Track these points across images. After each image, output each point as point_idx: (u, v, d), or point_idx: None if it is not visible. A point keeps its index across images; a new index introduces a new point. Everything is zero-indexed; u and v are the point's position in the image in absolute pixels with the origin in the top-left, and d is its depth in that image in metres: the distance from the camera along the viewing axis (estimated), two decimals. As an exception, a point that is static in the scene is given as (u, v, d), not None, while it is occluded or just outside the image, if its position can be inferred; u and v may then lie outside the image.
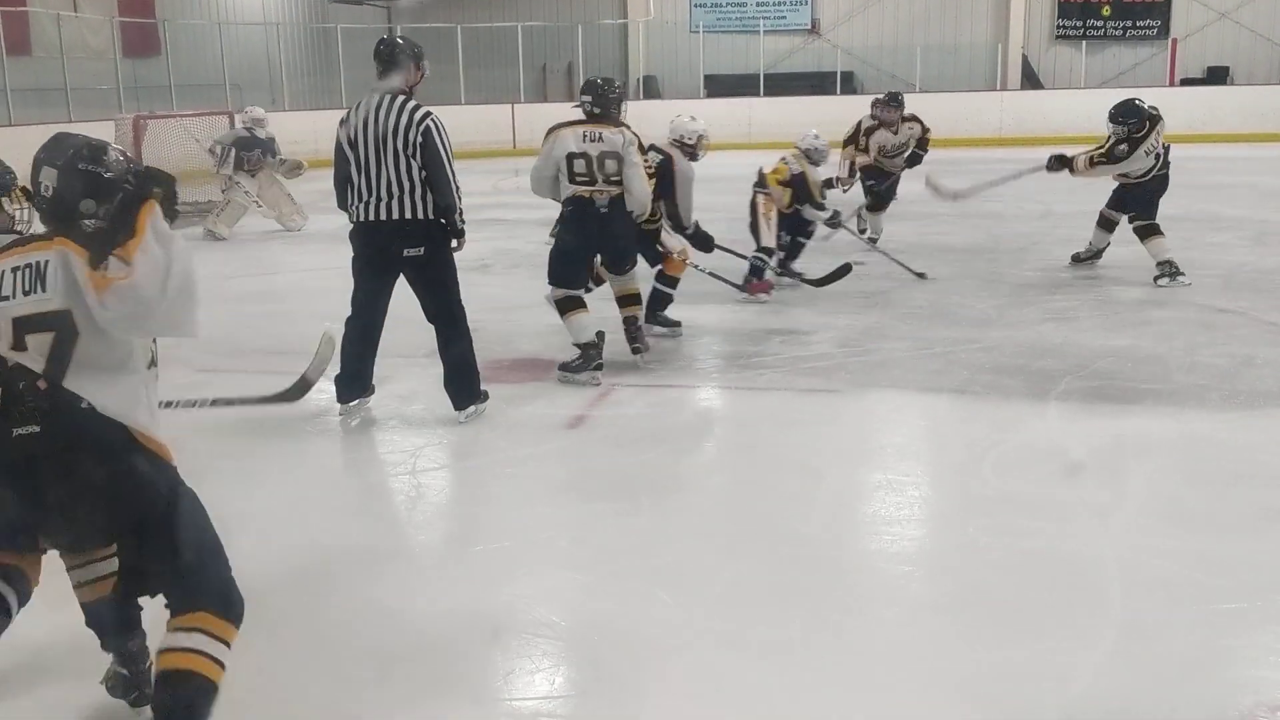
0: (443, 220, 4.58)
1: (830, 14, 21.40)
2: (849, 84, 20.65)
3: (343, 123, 4.60)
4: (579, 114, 5.34)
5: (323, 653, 2.91)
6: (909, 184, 9.47)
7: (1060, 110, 18.90)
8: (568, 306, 5.38)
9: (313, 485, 4.20)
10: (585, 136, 5.21)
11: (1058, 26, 20.64)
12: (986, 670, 2.76)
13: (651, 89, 21.76)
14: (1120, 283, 7.42)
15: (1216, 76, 19.66)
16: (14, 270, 2.26)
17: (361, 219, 4.56)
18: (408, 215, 4.52)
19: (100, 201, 2.29)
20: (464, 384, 4.72)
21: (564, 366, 5.35)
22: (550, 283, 5.45)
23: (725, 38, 21.28)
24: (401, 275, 4.70)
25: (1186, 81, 18.94)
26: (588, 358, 5.29)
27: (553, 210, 5.58)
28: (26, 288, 2.24)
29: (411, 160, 4.50)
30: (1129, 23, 20.19)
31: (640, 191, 5.24)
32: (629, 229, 5.45)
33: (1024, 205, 11.27)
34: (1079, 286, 7.32)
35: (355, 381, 4.82)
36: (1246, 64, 19.82)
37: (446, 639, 2.95)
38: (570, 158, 5.19)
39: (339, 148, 4.58)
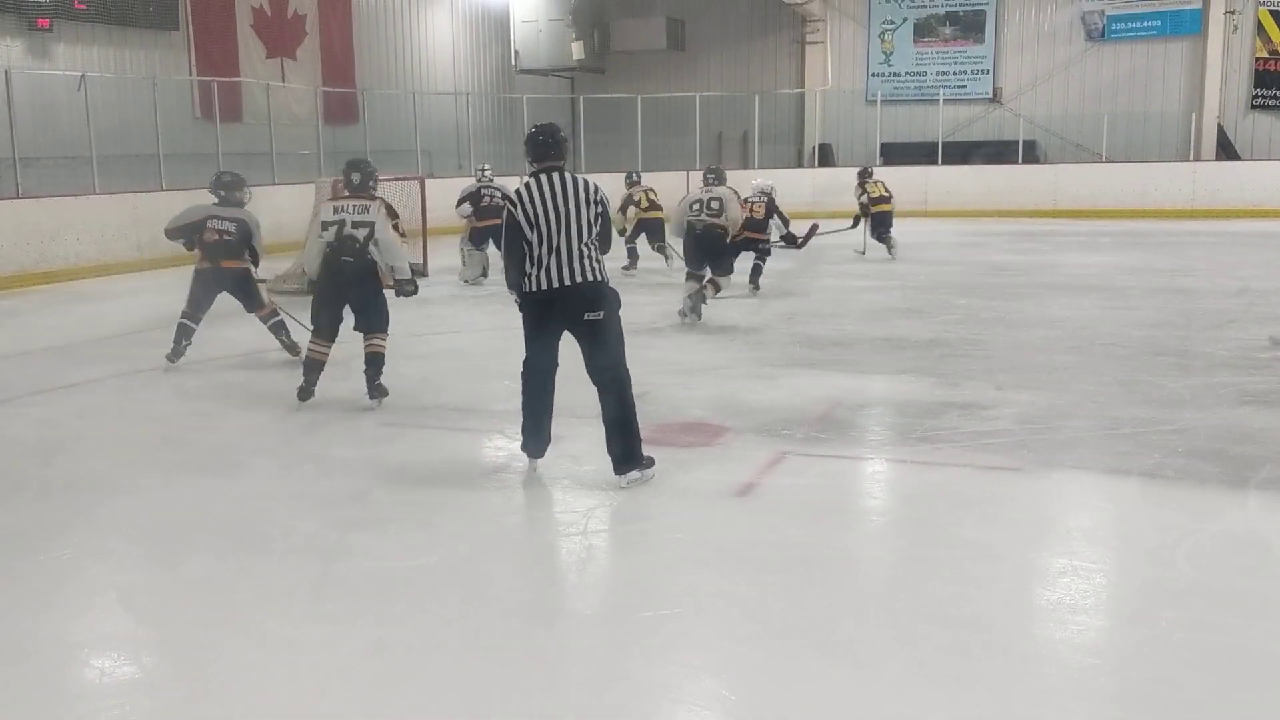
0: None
1: (1013, 82, 21.03)
2: (1031, 153, 20.20)
3: (515, 205, 4.76)
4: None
5: (491, 712, 2.95)
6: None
7: (1255, 182, 18.04)
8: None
9: (487, 541, 4.30)
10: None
11: (1255, 95, 19.75)
12: (1181, 775, 2.60)
13: (826, 157, 21.76)
14: (1328, 366, 6.98)
15: None
16: (355, 204, 6.28)
17: (545, 286, 4.71)
18: (589, 279, 4.66)
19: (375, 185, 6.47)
20: (627, 447, 4.78)
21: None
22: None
23: (902, 107, 21.16)
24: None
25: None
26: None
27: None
28: (361, 209, 6.24)
29: (594, 227, 4.67)
30: (1334, 91, 19.25)
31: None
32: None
33: (1217, 280, 10.76)
34: (1279, 369, 6.92)
35: (541, 435, 4.95)
36: None
37: (614, 706, 2.97)
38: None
39: (516, 228, 4.74)
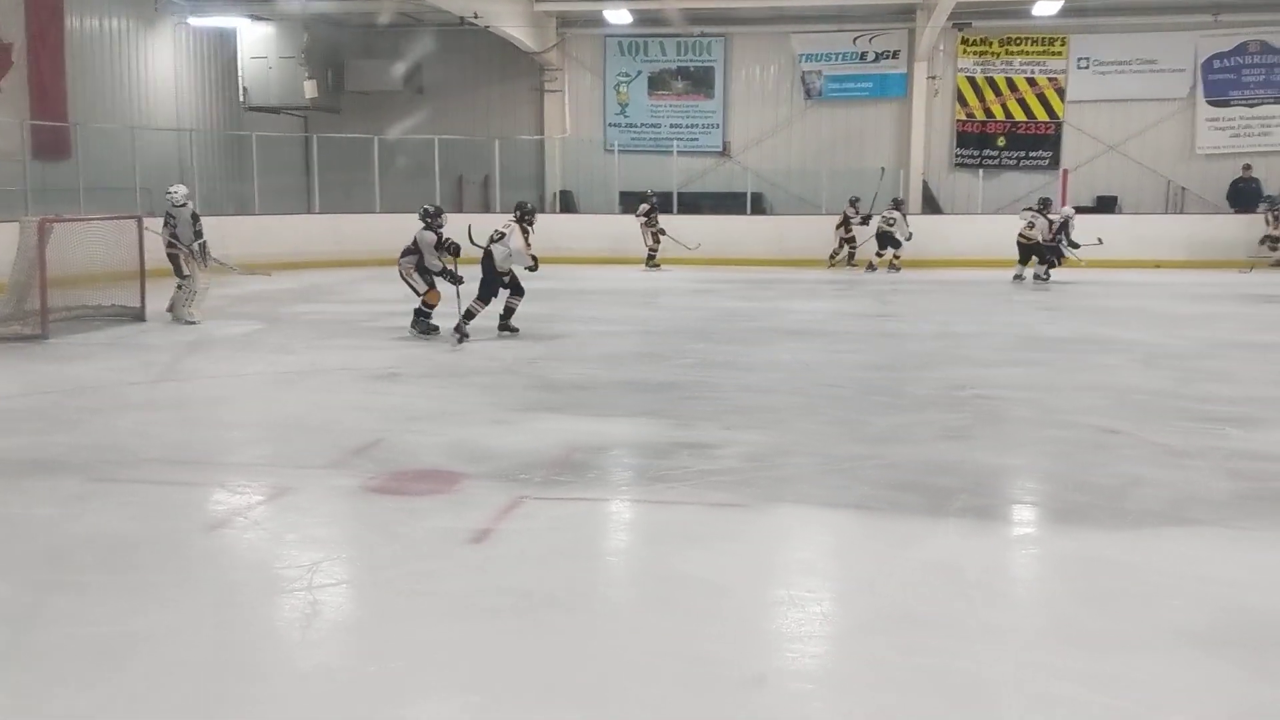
0: None
1: (741, 137, 22.05)
2: (759, 204, 21.21)
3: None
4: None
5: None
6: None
7: (957, 234, 19.65)
8: None
9: (201, 601, 4.06)
10: None
11: (956, 155, 21.55)
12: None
13: (568, 203, 22.10)
14: (1014, 402, 7.64)
15: (1105, 205, 20.62)
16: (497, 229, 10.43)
17: None
18: None
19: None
20: None
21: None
22: None
23: (640, 156, 21.78)
24: None
25: (1079, 210, 19.82)
26: None
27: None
28: (500, 230, 10.31)
29: None
30: (1022, 153, 21.18)
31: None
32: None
33: (922, 325, 11.62)
34: (975, 405, 7.52)
35: None
36: (1134, 193, 20.84)
37: (339, 763, 2.86)
38: None
39: None
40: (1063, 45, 20.86)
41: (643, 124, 22.24)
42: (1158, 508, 5.18)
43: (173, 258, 11.60)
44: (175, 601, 4.03)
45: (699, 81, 22.03)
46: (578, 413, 7.26)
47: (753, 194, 21.08)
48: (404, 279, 10.48)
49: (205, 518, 5.07)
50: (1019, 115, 21.20)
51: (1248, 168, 20.13)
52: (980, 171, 21.05)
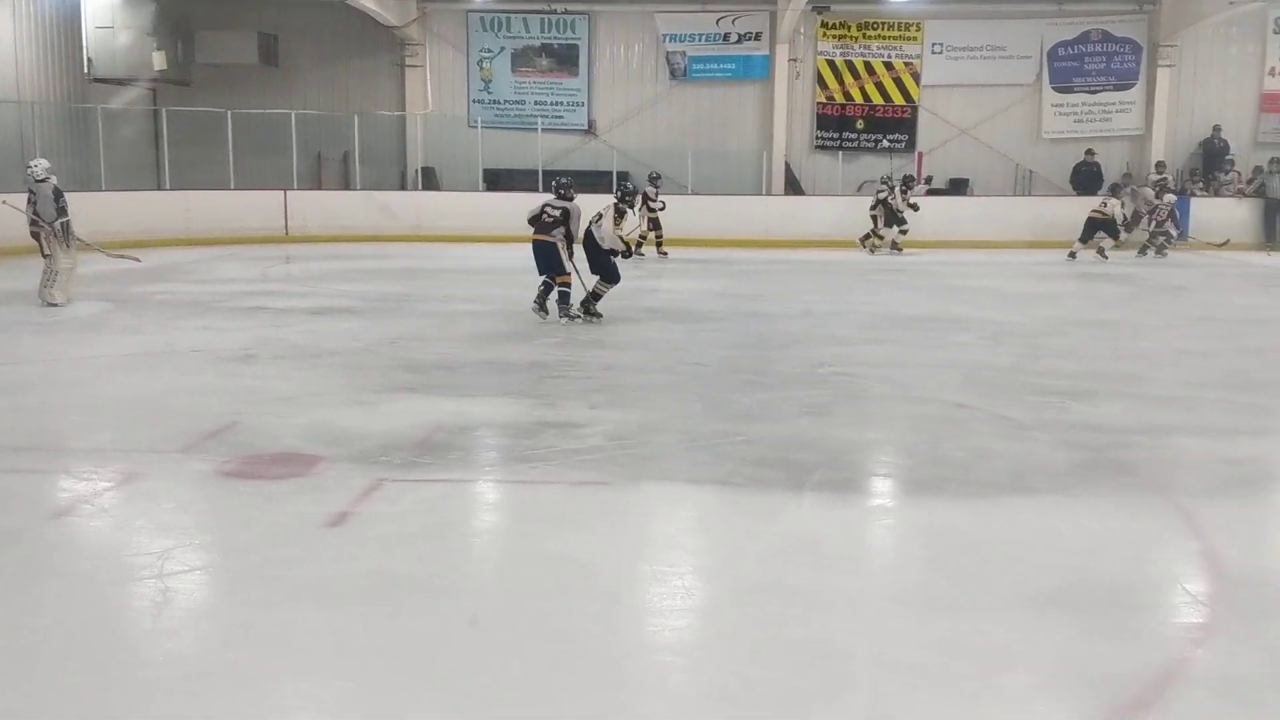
0: None
1: (606, 116, 22.04)
2: (624, 183, 21.27)
3: None
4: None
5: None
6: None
7: (820, 214, 20.06)
8: None
9: (46, 592, 3.90)
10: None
11: (817, 137, 21.97)
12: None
13: (430, 180, 21.76)
14: (873, 379, 7.87)
15: (958, 187, 21.33)
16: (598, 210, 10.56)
17: None
18: None
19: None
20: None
21: None
22: None
23: (504, 134, 21.58)
24: None
25: (933, 192, 20.43)
26: None
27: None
28: (599, 212, 10.50)
29: None
30: (879, 136, 21.71)
31: None
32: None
33: (787, 304, 11.83)
34: (835, 383, 7.71)
35: None
36: (985, 176, 21.58)
37: (192, 755, 2.79)
38: None
39: None
40: (918, 31, 21.43)
41: (507, 101, 22.03)
42: (1003, 479, 5.40)
43: (35, 236, 10.91)
44: (18, 592, 3.86)
45: (563, 59, 21.92)
46: (440, 393, 7.19)
47: (619, 173, 21.10)
48: (566, 259, 10.18)
49: (50, 506, 4.86)
50: (877, 99, 21.72)
51: (1090, 152, 21.05)
52: (840, 154, 21.51)
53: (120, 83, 20.47)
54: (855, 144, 21.77)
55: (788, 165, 21.60)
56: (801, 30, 21.40)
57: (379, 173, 21.38)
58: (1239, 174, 20.48)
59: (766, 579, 4.08)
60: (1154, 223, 18.46)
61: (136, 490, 4.83)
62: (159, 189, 19.23)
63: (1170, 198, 18.52)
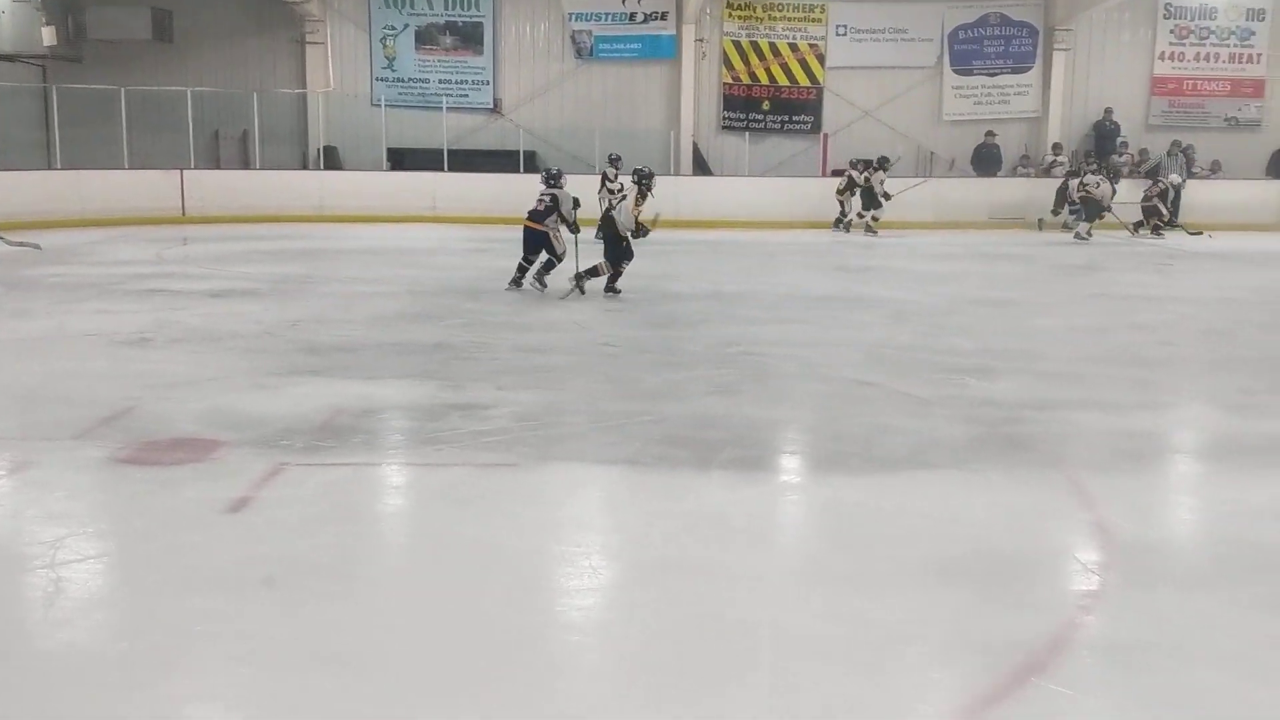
0: None
1: (512, 95, 21.84)
2: (532, 162, 21.09)
3: None
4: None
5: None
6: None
7: (728, 195, 20.18)
8: None
9: (-68, 586, 3.76)
10: None
11: (724, 118, 22.06)
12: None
13: (333, 160, 21.35)
14: (779, 358, 7.95)
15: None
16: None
17: None
18: None
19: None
20: None
21: None
22: None
23: (408, 113, 21.26)
24: None
25: (837, 172, 20.67)
26: None
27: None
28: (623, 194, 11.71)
29: None
30: (786, 117, 21.88)
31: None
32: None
33: (697, 284, 11.89)
34: (743, 362, 7.77)
35: None
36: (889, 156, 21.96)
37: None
38: None
39: None
40: (822, 12, 21.61)
41: (410, 79, 21.68)
42: (904, 454, 5.51)
43: None
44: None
45: (468, 37, 21.64)
46: (342, 376, 7.07)
47: (525, 152, 20.96)
48: (552, 238, 10.88)
49: (-70, 497, 4.68)
50: (782, 80, 21.87)
51: (990, 134, 21.49)
52: (747, 134, 21.63)
53: (7, 59, 19.68)
54: (762, 125, 21.90)
55: (695, 145, 21.66)
56: (708, 11, 21.44)
57: (279, 151, 20.91)
58: (1132, 155, 21.11)
59: (674, 557, 4.11)
60: (1145, 199, 19.03)
61: (27, 479, 4.68)
62: (50, 169, 18.56)
63: (1175, 178, 19.15)
